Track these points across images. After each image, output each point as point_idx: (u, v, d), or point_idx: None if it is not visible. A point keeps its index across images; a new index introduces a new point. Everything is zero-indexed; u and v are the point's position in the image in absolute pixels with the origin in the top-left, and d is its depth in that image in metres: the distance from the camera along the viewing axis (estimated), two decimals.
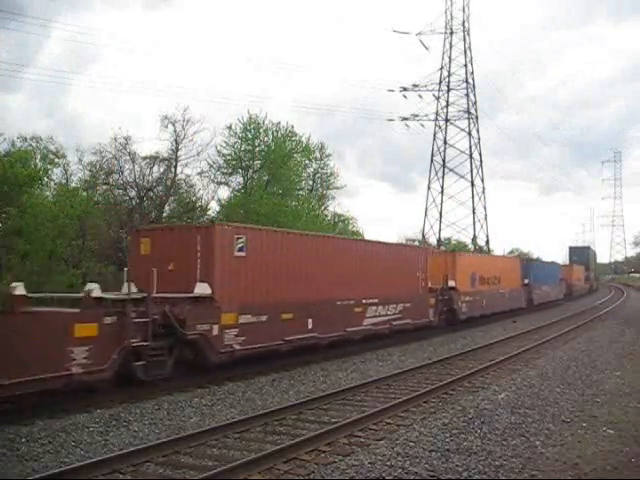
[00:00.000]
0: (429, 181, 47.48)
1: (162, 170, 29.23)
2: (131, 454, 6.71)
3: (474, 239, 46.44)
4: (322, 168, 41.20)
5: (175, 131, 29.16)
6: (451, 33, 47.40)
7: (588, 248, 65.89)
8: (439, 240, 46.48)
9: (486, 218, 46.24)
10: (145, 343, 9.96)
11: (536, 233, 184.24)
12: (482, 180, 46.98)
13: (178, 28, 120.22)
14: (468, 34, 47.39)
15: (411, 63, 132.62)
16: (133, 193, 28.34)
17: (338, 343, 14.94)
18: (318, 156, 40.58)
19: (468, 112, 47.00)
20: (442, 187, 46.75)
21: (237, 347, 11.71)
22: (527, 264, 33.63)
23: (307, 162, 39.27)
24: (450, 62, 47.35)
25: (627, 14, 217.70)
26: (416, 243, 46.88)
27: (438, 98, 47.14)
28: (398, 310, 17.47)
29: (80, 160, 27.57)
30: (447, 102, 47.12)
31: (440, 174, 47.02)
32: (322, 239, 15.75)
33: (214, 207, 33.18)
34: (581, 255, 60.99)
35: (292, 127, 35.55)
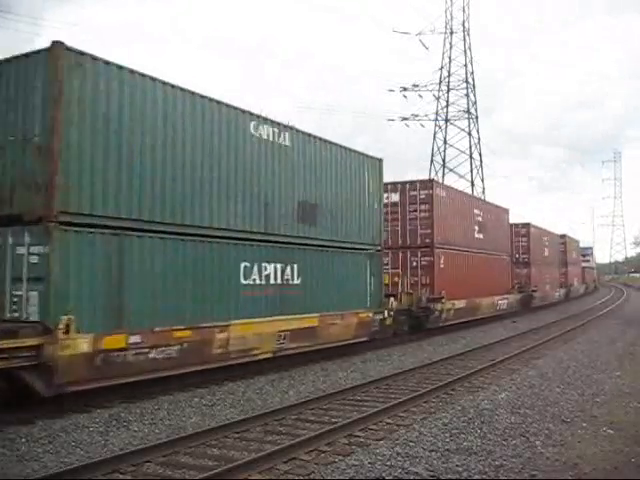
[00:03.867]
0: None
1: None
2: (131, 454, 6.70)
3: None
4: None
5: None
6: (451, 33, 47.61)
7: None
8: None
9: None
10: None
11: None
12: (482, 180, 47.00)
13: (177, 26, 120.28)
14: (468, 34, 47.56)
15: (411, 63, 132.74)
16: None
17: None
18: None
19: (468, 112, 47.16)
20: None
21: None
22: None
23: None
24: (450, 62, 47.49)
25: (625, 12, 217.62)
26: None
27: (438, 98, 47.25)
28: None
29: None
30: (447, 102, 47.21)
31: (440, 174, 47.02)
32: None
33: None
34: None
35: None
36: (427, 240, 20.02)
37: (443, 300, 19.90)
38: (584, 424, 8.08)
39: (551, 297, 38.54)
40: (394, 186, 20.33)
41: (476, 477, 6.01)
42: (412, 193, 20.19)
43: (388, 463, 6.38)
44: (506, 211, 29.56)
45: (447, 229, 21.03)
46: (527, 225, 34.33)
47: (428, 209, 19.98)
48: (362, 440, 7.41)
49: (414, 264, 20.05)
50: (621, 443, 7.20)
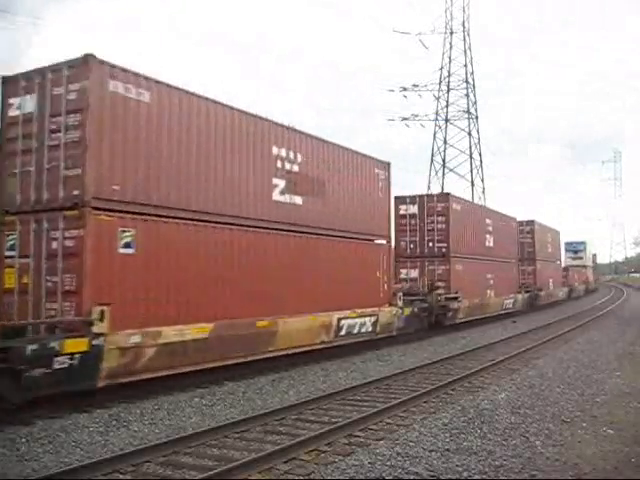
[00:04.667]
0: (429, 181, 47.05)
1: None
2: (131, 454, 6.71)
3: None
4: None
5: None
6: (451, 33, 47.53)
7: None
8: None
9: None
10: None
11: None
12: (482, 180, 46.86)
13: (177, 24, 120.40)
14: (468, 34, 47.39)
15: (411, 63, 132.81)
16: None
17: None
18: None
19: (468, 112, 47.15)
20: (442, 187, 46.58)
21: None
22: None
23: None
24: (450, 62, 47.46)
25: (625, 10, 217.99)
26: None
27: (438, 98, 47.17)
28: None
29: None
30: (447, 102, 47.17)
31: (440, 174, 46.96)
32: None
33: None
34: None
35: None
36: (75, 192, 8.97)
37: (99, 326, 8.68)
38: (584, 424, 8.08)
39: (497, 307, 26.10)
40: (26, 83, 9.51)
41: (476, 477, 6.01)
42: (56, 92, 9.22)
43: (388, 463, 6.38)
44: (381, 166, 16.78)
45: (155, 167, 9.89)
46: (446, 198, 22.24)
47: (79, 122, 9.00)
48: (362, 440, 7.40)
49: (54, 246, 9.10)
50: (621, 443, 7.20)
